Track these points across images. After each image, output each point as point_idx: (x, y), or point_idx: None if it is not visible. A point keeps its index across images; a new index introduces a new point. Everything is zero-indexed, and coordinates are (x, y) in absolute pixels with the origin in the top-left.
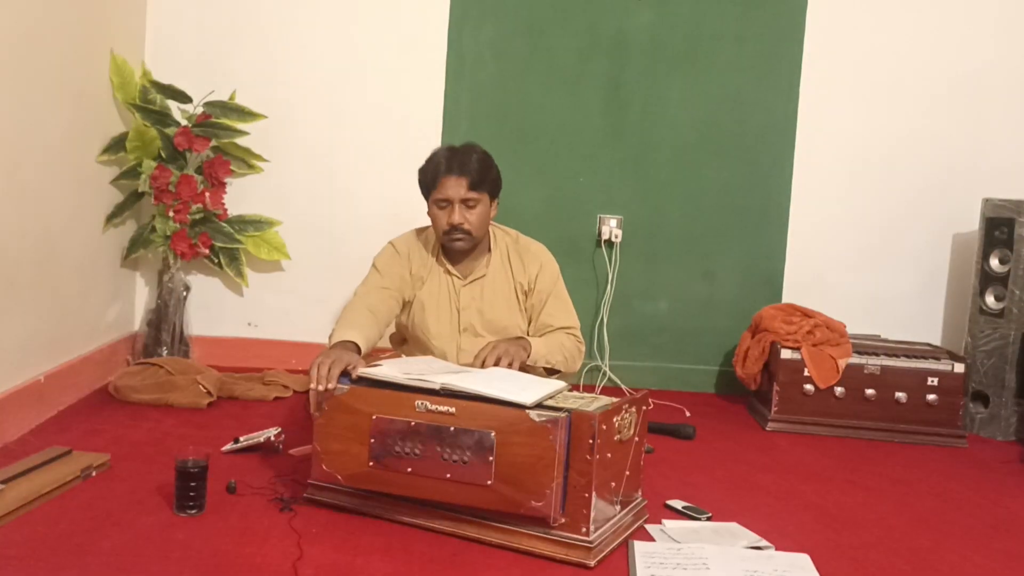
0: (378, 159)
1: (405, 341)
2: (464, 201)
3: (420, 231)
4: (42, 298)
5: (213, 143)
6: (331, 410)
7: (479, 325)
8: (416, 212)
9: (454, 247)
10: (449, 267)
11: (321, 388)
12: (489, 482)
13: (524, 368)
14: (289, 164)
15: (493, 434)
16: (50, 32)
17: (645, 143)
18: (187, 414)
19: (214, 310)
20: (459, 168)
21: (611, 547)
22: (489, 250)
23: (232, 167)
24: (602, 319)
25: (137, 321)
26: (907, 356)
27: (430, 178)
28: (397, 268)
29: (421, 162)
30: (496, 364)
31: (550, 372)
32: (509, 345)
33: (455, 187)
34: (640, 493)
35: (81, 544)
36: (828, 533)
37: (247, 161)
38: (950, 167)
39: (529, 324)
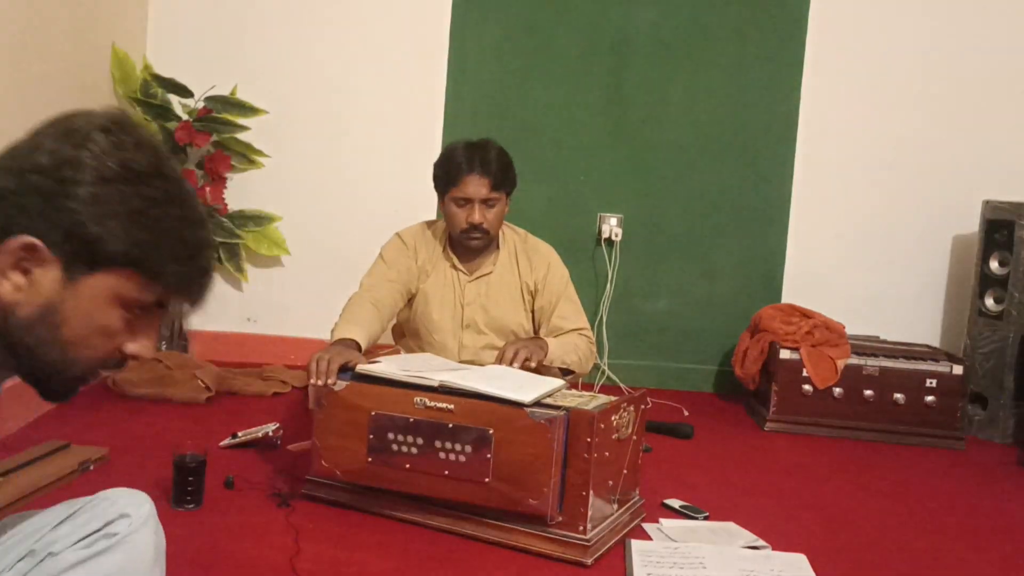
0: (379, 156)
1: (405, 335)
2: (484, 201)
3: (428, 224)
4: None
5: (214, 138)
6: (330, 406)
7: (482, 322)
8: (417, 209)
9: (470, 246)
10: (456, 262)
11: (320, 383)
12: (487, 480)
13: (541, 368)
14: (290, 160)
15: (491, 431)
16: (51, 25)
17: (646, 142)
18: (185, 409)
19: (213, 305)
20: (482, 167)
21: (608, 546)
22: (497, 247)
23: (232, 162)
24: (601, 318)
25: None
26: (906, 357)
27: (451, 175)
28: (404, 260)
29: (422, 159)
30: (515, 360)
31: (565, 373)
32: (528, 343)
33: (477, 186)
34: (638, 492)
35: None
36: (825, 534)
37: (248, 156)
38: (951, 168)
39: (537, 326)
